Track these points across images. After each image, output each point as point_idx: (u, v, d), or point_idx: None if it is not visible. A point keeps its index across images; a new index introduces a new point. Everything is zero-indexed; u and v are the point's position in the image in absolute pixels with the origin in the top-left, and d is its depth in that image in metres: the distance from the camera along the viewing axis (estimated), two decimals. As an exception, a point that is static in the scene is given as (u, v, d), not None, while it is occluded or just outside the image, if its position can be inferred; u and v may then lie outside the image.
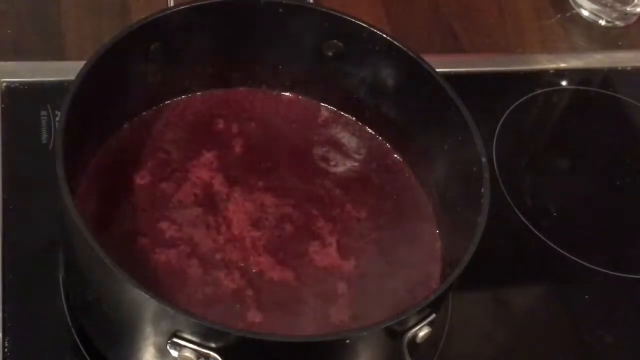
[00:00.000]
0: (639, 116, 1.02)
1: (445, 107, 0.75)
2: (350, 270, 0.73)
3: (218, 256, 0.72)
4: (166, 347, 0.62)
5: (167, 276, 0.70)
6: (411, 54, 0.77)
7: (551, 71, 1.03)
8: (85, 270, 0.66)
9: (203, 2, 0.76)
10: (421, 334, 0.65)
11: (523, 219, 0.89)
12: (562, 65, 1.03)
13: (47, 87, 0.86)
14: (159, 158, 0.76)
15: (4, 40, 0.90)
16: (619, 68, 1.05)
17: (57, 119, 0.81)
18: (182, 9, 0.75)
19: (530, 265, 0.87)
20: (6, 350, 0.71)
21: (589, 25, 1.09)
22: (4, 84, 0.85)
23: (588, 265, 0.87)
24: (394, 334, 0.64)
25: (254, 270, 0.71)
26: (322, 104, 0.83)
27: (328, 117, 0.83)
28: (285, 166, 0.78)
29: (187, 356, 0.61)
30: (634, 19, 1.10)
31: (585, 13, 1.09)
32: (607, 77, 1.04)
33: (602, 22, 1.09)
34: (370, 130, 0.83)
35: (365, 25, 0.78)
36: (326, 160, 0.80)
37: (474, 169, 0.71)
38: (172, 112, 0.80)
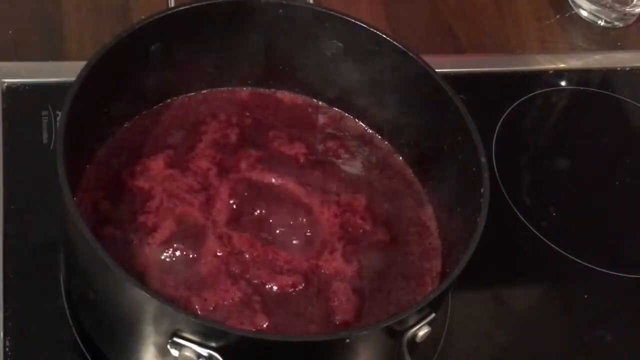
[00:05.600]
0: (638, 116, 1.02)
1: (445, 107, 0.75)
2: (353, 272, 0.73)
3: (222, 265, 0.71)
4: (167, 346, 0.62)
5: (168, 277, 0.70)
6: (411, 54, 0.77)
7: (550, 71, 1.03)
8: (86, 270, 0.67)
9: (203, 3, 0.76)
10: (421, 333, 0.65)
11: (522, 218, 0.89)
12: (562, 65, 1.03)
13: (48, 87, 0.86)
14: (159, 158, 0.76)
15: (5, 40, 0.90)
16: (618, 68, 1.05)
17: (58, 119, 0.81)
18: (182, 9, 0.76)
19: (529, 265, 0.87)
20: (7, 349, 0.71)
21: (588, 26, 1.09)
22: (5, 84, 0.86)
23: (588, 265, 0.87)
24: (394, 333, 0.64)
25: (255, 281, 0.71)
26: (321, 103, 0.84)
27: (328, 117, 0.83)
28: (284, 167, 0.78)
29: (187, 355, 0.61)
30: (633, 19, 1.10)
31: (584, 13, 1.09)
32: (606, 77, 1.05)
33: (601, 23, 1.09)
34: (370, 130, 0.83)
35: (365, 26, 0.78)
36: (325, 160, 0.80)
37: (474, 169, 0.72)
38: (172, 112, 0.80)
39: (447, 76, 0.76)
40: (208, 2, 0.76)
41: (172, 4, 0.90)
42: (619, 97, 1.03)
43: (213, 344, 0.61)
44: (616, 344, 0.83)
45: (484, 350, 0.81)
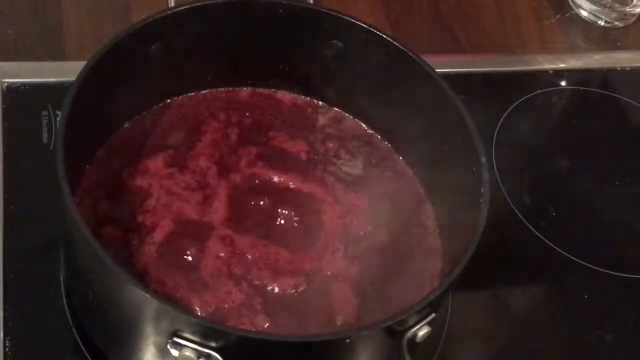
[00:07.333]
0: (638, 116, 1.02)
1: (445, 107, 0.75)
2: (354, 272, 0.73)
3: (223, 266, 0.71)
4: (167, 346, 0.62)
5: (168, 277, 0.70)
6: (411, 54, 0.77)
7: (550, 71, 1.03)
8: (86, 269, 0.67)
9: (203, 3, 0.76)
10: (421, 333, 0.65)
11: (522, 219, 0.89)
12: (562, 65, 1.03)
13: (48, 87, 0.86)
14: (159, 158, 0.76)
15: (5, 40, 0.90)
16: (618, 68, 1.05)
17: (58, 119, 0.81)
18: (183, 9, 0.76)
19: (529, 265, 0.87)
20: (7, 349, 0.71)
21: (588, 26, 1.09)
22: (5, 84, 0.86)
23: (588, 265, 0.87)
24: (394, 333, 0.64)
25: (256, 282, 0.71)
26: (321, 103, 0.84)
27: (328, 116, 0.83)
28: (285, 166, 0.78)
29: (187, 355, 0.61)
30: (633, 19, 1.10)
31: (584, 13, 1.09)
32: (606, 77, 1.04)
33: (601, 23, 1.09)
34: (370, 130, 0.83)
35: (365, 26, 0.78)
36: (326, 160, 0.80)
37: (474, 169, 0.72)
38: (172, 112, 0.80)
39: (447, 76, 0.76)
40: (208, 2, 0.76)
41: (172, 4, 0.90)
42: (619, 97, 1.03)
43: (213, 344, 0.61)
44: (616, 344, 0.83)
45: (484, 350, 0.81)
